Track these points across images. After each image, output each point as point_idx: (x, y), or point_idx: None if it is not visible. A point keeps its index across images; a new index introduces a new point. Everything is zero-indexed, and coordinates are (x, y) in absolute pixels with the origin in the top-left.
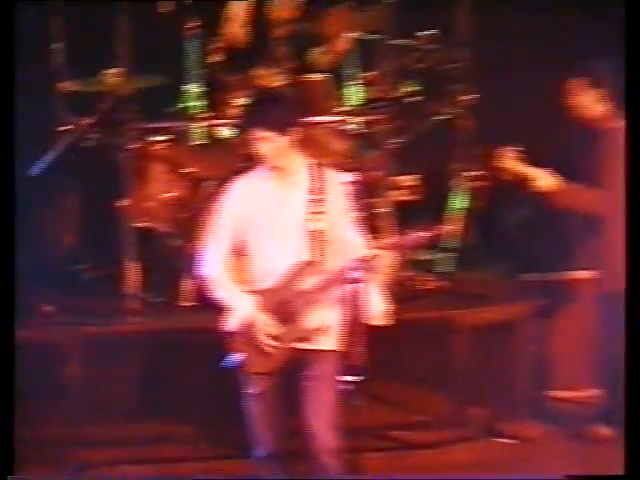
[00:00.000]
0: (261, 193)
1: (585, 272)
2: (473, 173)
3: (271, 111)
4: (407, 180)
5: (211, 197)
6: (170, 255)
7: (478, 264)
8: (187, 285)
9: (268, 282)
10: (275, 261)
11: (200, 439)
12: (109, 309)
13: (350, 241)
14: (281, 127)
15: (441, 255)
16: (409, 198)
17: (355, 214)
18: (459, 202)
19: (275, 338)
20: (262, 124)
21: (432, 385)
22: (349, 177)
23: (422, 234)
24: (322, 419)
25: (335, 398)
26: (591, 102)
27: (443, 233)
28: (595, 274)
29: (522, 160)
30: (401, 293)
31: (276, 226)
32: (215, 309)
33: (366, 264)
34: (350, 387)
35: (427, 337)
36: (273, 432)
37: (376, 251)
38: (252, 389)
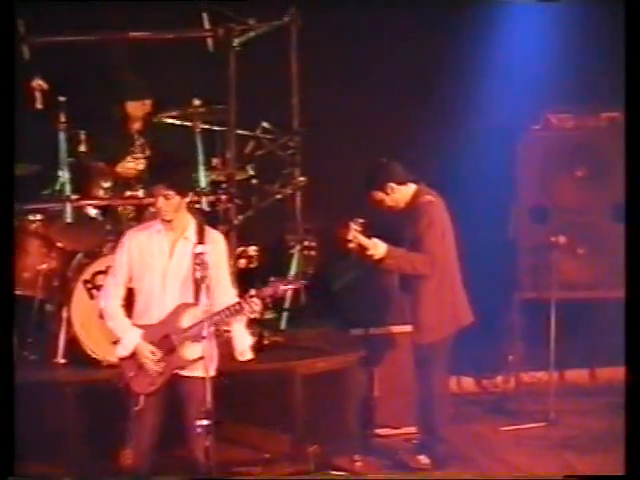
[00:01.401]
0: (154, 243)
1: (402, 327)
2: (305, 243)
3: (177, 174)
4: (249, 250)
5: (80, 268)
6: (45, 318)
7: (311, 321)
8: (60, 344)
9: (153, 317)
10: (162, 301)
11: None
12: None
13: (223, 289)
14: (181, 188)
15: (278, 314)
16: (251, 266)
17: (227, 268)
18: (293, 268)
19: (157, 364)
20: (167, 183)
21: (274, 426)
22: (200, 249)
23: (283, 287)
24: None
25: (207, 415)
26: (393, 190)
27: (299, 287)
28: (409, 329)
29: (362, 232)
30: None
31: (165, 272)
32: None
33: (236, 309)
34: (203, 430)
35: (269, 385)
36: (150, 442)
37: (247, 298)
38: (136, 407)
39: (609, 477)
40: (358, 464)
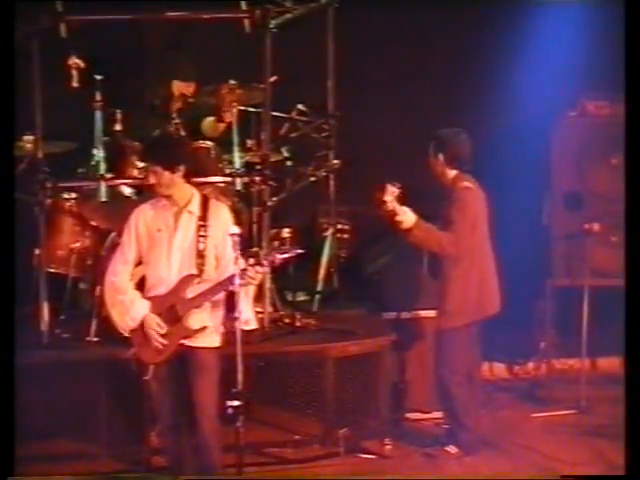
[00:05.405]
0: (159, 218)
1: (433, 312)
2: (338, 226)
3: (160, 150)
4: (283, 232)
5: (113, 246)
6: (78, 296)
7: (343, 304)
8: (93, 322)
9: (161, 290)
10: (168, 274)
11: (103, 455)
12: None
13: (228, 259)
14: (166, 164)
15: (310, 296)
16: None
17: (234, 237)
18: (326, 251)
19: (164, 336)
20: (151, 159)
21: (304, 408)
22: (235, 229)
23: (279, 256)
24: (205, 402)
25: (214, 385)
26: (441, 166)
27: (296, 255)
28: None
29: (397, 198)
30: (276, 330)
31: (170, 245)
32: (116, 342)
33: (239, 277)
34: (233, 411)
35: (300, 367)
36: (167, 409)
37: (247, 267)
38: (147, 376)
39: (609, 477)
40: (388, 448)
